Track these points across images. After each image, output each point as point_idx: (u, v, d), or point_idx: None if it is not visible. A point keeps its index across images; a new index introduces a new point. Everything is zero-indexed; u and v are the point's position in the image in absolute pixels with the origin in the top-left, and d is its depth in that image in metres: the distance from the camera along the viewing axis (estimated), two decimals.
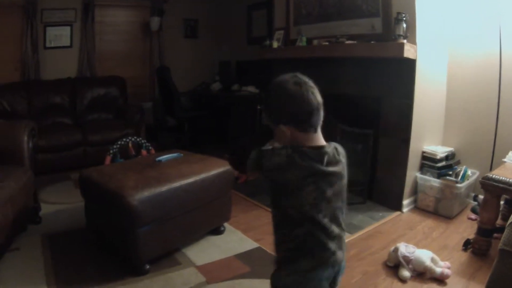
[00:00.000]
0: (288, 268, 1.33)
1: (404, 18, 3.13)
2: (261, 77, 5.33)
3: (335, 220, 1.32)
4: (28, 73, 5.31)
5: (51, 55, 5.49)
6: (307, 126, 1.28)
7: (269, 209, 1.39)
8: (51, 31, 5.47)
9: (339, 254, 1.34)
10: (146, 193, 2.42)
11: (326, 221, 1.29)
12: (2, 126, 3.56)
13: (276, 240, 1.37)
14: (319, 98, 1.30)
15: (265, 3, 5.78)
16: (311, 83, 1.33)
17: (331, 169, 1.29)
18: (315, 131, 1.31)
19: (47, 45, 5.47)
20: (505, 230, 1.60)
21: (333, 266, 1.34)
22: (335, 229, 1.32)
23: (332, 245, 1.31)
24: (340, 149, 1.38)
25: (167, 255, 2.69)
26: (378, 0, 3.43)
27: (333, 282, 1.39)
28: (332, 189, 1.30)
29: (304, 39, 4.05)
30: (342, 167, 1.35)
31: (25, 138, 3.24)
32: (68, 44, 5.61)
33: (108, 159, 3.68)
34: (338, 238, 1.34)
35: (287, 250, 1.34)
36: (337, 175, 1.32)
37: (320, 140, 1.33)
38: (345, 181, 1.37)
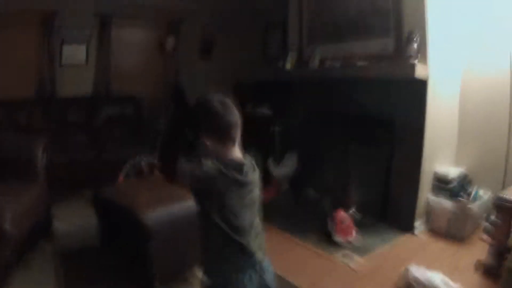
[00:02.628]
0: (210, 272, 1.50)
1: (415, 38, 3.15)
2: (276, 97, 5.35)
3: (252, 224, 1.48)
4: (44, 90, 5.36)
5: (67, 72, 5.53)
6: (227, 139, 1.44)
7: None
8: (68, 48, 5.53)
9: (259, 254, 1.50)
10: (159, 211, 2.45)
11: (243, 225, 1.45)
12: (17, 140, 3.62)
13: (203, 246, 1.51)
14: (237, 115, 1.47)
15: (280, 23, 5.78)
16: (230, 102, 1.49)
17: (249, 178, 1.45)
18: (234, 144, 1.47)
19: (63, 62, 5.53)
20: None
21: (254, 268, 1.47)
22: (252, 232, 1.48)
23: (252, 248, 1.46)
24: (254, 162, 1.53)
25: (178, 273, 2.69)
26: (390, 20, 3.46)
27: (262, 282, 1.50)
28: (249, 197, 1.46)
29: (317, 60, 4.06)
30: (257, 177, 1.51)
31: (40, 153, 3.29)
32: (84, 61, 5.67)
33: (121, 177, 3.70)
34: (257, 239, 1.50)
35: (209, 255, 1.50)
36: (253, 184, 1.48)
37: (238, 152, 1.49)
38: (258, 190, 1.52)
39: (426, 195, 3.51)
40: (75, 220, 3.69)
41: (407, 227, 3.47)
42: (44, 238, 3.23)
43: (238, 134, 1.47)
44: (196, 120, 1.47)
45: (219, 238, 1.43)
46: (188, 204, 2.55)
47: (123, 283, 2.63)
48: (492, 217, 3.07)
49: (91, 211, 3.03)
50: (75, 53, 5.58)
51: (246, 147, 1.54)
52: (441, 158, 3.60)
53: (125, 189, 2.88)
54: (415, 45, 3.14)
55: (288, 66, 4.47)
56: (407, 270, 2.54)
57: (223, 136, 1.44)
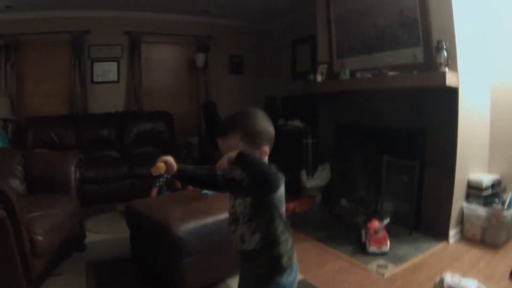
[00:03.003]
0: (290, 268, 1.50)
1: (444, 46, 3.12)
2: (307, 110, 5.38)
3: None
4: (76, 107, 5.52)
5: (98, 90, 5.72)
6: (270, 149, 1.47)
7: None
8: (98, 66, 5.71)
9: None
10: (192, 225, 2.46)
11: None
12: (51, 156, 3.71)
13: (276, 252, 1.47)
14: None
15: (308, 37, 5.85)
16: None
17: None
18: None
19: (95, 79, 5.71)
20: None
21: None
22: None
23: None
24: None
25: (210, 286, 2.69)
26: (418, 30, 3.45)
27: None
28: None
29: (347, 72, 4.06)
30: None
31: (73, 168, 3.37)
32: (115, 79, 5.84)
33: (154, 192, 3.75)
34: None
35: (287, 252, 1.48)
36: None
37: None
38: None
39: (460, 203, 3.46)
40: (107, 232, 3.76)
41: (442, 236, 3.42)
42: (77, 250, 3.29)
43: None
44: (255, 130, 1.43)
45: (287, 233, 1.49)
46: (220, 218, 2.57)
47: None
48: None
49: (123, 224, 3.07)
50: (107, 70, 5.72)
51: (280, 160, 1.54)
52: (474, 166, 3.55)
53: (157, 202, 2.91)
54: (445, 54, 3.11)
55: (319, 79, 4.49)
56: (442, 278, 2.50)
57: (271, 146, 1.48)
